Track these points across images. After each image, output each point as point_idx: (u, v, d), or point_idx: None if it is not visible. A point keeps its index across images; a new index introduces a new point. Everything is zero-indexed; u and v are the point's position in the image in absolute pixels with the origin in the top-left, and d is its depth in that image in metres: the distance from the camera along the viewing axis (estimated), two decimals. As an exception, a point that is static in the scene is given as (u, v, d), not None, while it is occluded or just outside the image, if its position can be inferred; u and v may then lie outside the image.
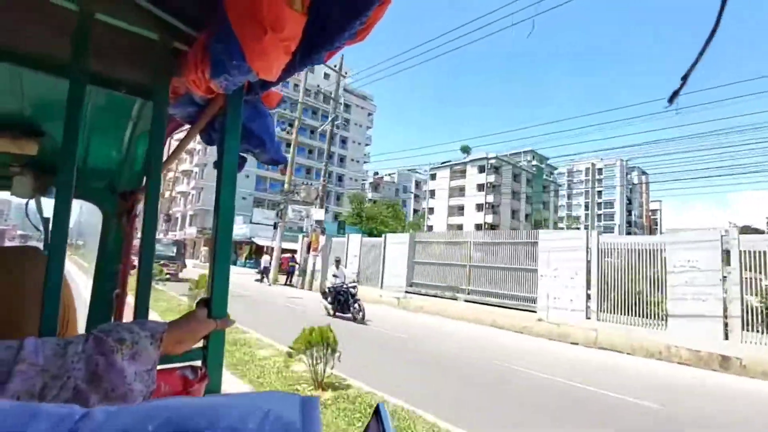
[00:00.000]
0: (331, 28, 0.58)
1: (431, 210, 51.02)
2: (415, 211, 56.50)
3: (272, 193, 44.48)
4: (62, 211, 0.64)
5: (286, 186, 20.54)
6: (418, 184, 61.57)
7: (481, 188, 48.73)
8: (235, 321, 0.72)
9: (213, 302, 0.70)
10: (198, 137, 1.04)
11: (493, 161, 48.51)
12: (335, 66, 19.39)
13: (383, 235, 15.07)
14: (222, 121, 0.81)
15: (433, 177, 55.98)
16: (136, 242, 1.09)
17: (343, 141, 51.55)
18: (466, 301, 11.60)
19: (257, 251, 31.77)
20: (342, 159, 51.61)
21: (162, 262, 16.88)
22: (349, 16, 0.54)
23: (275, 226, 20.70)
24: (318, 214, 18.11)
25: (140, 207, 1.62)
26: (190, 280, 11.70)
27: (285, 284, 19.05)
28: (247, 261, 32.61)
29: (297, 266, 18.94)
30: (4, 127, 1.13)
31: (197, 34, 0.75)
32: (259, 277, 19.94)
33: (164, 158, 1.34)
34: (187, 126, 1.05)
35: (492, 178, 49.05)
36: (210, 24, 0.69)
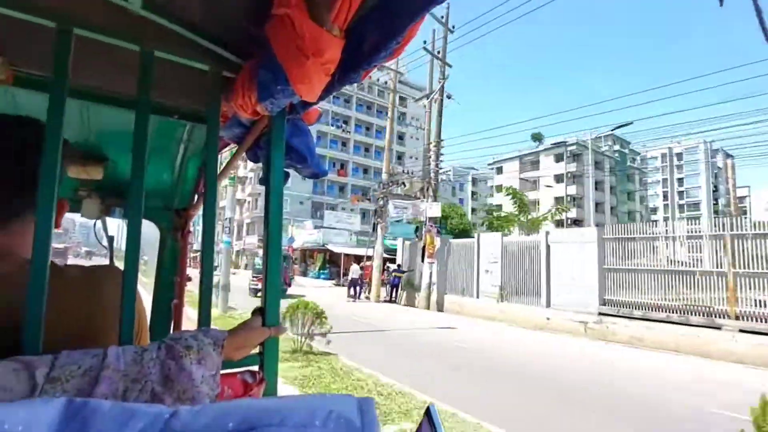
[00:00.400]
0: (369, 49, 0.68)
1: (499, 207, 43.01)
2: (473, 210, 53.65)
3: (330, 197, 43.88)
4: (134, 230, 0.79)
5: (384, 176, 18.82)
6: (474, 182, 58.75)
7: (559, 179, 44.01)
8: (287, 329, 0.88)
9: (267, 311, 0.84)
10: (244, 155, 1.22)
11: (572, 147, 43.50)
12: (442, 17, 16.00)
13: (545, 233, 11.89)
14: (267, 139, 0.98)
15: (499, 171, 52.07)
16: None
17: (400, 137, 47.66)
18: (742, 331, 7.55)
19: (331, 259, 30.04)
20: (400, 156, 47.78)
21: (259, 276, 16.65)
22: (385, 37, 0.63)
23: (375, 228, 18.38)
24: (433, 209, 15.24)
25: (193, 222, 1.97)
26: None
27: (388, 301, 16.33)
28: (321, 271, 30.12)
29: (402, 278, 16.30)
30: (74, 156, 1.35)
31: (243, 63, 0.90)
32: (351, 292, 17.18)
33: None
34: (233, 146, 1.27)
35: (572, 167, 44.21)
36: (255, 53, 0.84)
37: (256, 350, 0.84)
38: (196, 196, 1.84)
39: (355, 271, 17.81)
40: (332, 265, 29.60)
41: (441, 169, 17.63)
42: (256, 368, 0.85)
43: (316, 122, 1.14)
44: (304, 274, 31.50)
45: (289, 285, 17.45)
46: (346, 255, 27.39)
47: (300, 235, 32.86)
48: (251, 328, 0.79)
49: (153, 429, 0.31)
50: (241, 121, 1.04)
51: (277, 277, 0.90)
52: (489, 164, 51.52)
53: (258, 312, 0.84)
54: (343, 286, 20.42)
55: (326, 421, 0.32)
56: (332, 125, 44.78)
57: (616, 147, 55.05)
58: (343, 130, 45.09)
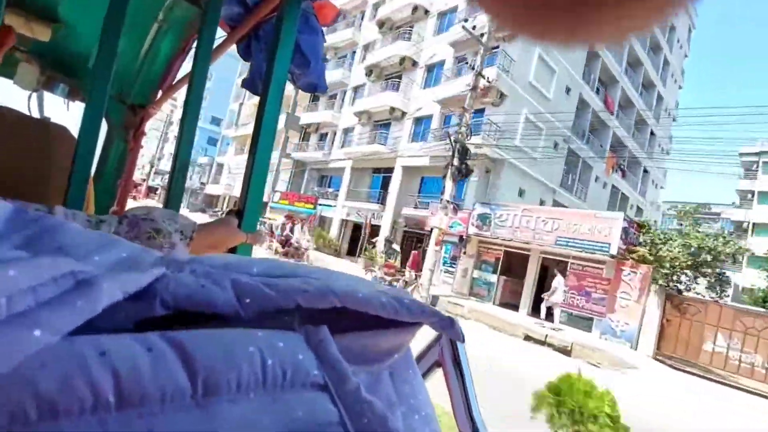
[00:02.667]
0: None
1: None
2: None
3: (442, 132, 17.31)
4: (96, 101, 0.72)
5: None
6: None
7: None
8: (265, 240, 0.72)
9: (245, 216, 0.78)
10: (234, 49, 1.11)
11: None
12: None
13: None
14: (271, 27, 0.89)
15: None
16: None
17: (665, 67, 26.49)
18: None
19: None
20: (660, 99, 26.35)
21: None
22: None
23: None
24: None
25: (148, 125, 1.76)
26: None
27: None
28: None
29: None
30: (20, 3, 1.19)
31: None
32: None
33: (178, 75, 1.51)
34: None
35: None
36: None
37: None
38: (159, 93, 1.65)
39: None
40: None
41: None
42: None
43: (331, 24, 1.04)
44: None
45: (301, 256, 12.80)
46: None
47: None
48: (227, 227, 0.72)
49: (144, 258, 0.25)
50: (243, -4, 0.89)
51: (261, 184, 0.85)
52: (742, 154, 31.43)
53: (234, 213, 0.78)
54: None
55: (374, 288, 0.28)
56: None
57: None
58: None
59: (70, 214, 0.49)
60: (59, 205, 0.49)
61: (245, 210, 0.79)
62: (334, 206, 20.70)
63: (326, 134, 24.23)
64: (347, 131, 22.27)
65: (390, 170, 18.02)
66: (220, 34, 1.14)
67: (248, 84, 1.18)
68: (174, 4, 1.15)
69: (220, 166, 35.15)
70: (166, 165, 43.36)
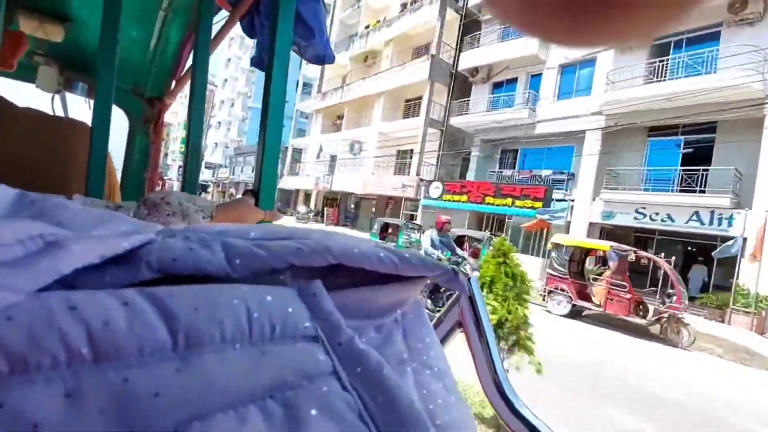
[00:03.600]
0: None
1: None
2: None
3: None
4: (104, 93, 0.73)
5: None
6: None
7: None
8: (282, 217, 0.84)
9: (261, 195, 0.80)
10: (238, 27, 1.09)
11: None
12: None
13: None
14: (271, 1, 0.85)
15: None
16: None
17: None
18: None
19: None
20: None
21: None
22: None
23: None
24: None
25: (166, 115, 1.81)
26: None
27: None
28: None
29: None
30: (30, 7, 1.22)
31: None
32: None
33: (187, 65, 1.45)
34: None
35: None
36: None
37: None
38: (173, 83, 1.69)
39: None
40: None
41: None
42: None
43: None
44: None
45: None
46: None
47: None
48: (245, 206, 0.74)
49: (143, 231, 0.25)
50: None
51: (275, 161, 0.87)
52: None
53: (250, 193, 0.81)
54: None
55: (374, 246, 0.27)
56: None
57: None
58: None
59: (89, 202, 0.51)
60: (79, 195, 0.51)
61: (261, 190, 0.81)
62: (568, 201, 11.65)
63: (508, 82, 14.53)
64: (568, 70, 13.08)
65: (704, 128, 9.63)
66: (223, 15, 1.13)
67: (256, 62, 1.16)
68: None
69: (297, 151, 27.53)
70: (212, 156, 39.18)
